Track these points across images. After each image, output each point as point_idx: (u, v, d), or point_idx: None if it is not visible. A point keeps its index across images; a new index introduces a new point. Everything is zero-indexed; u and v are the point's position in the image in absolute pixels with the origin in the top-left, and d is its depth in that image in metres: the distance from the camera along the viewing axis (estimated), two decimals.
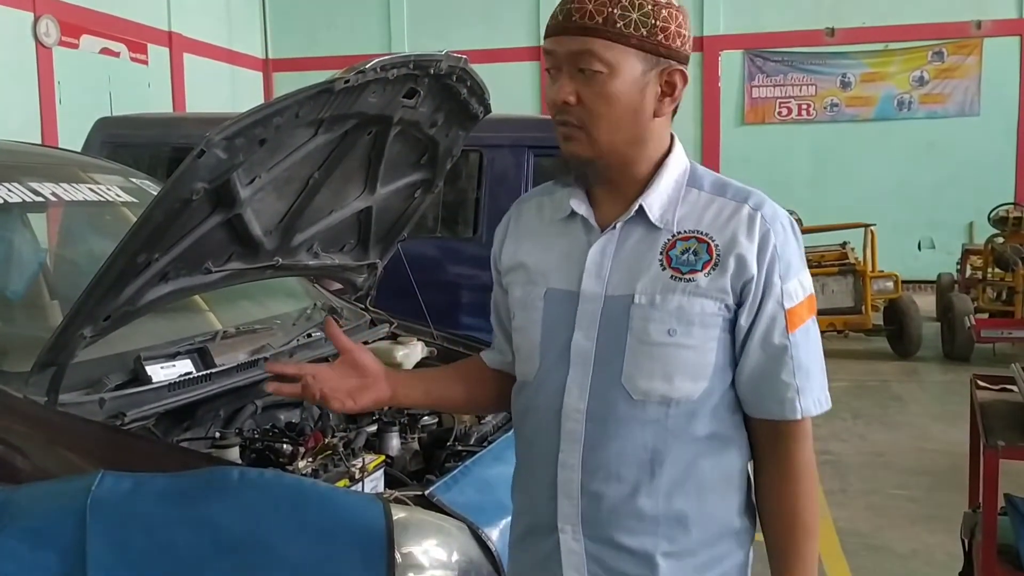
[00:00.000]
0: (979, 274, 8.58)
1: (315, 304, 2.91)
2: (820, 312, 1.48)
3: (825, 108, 12.08)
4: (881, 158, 11.64)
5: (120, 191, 2.76)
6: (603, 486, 1.28)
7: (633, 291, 1.26)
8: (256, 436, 2.20)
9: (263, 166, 2.00)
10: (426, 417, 2.52)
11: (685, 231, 1.27)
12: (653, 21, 1.22)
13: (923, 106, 11.72)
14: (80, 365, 1.91)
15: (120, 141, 5.73)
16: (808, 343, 1.28)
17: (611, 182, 1.31)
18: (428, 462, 2.38)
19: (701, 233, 1.26)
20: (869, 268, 8.00)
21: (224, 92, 12.48)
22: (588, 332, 1.28)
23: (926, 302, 9.19)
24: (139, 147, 5.58)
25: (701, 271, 1.24)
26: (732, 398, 1.31)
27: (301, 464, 1.98)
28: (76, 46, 9.90)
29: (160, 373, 2.02)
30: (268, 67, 13.73)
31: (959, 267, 9.16)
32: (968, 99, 11.53)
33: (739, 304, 1.26)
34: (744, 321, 1.26)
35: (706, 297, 1.24)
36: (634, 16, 1.21)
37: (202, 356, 2.16)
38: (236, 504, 1.60)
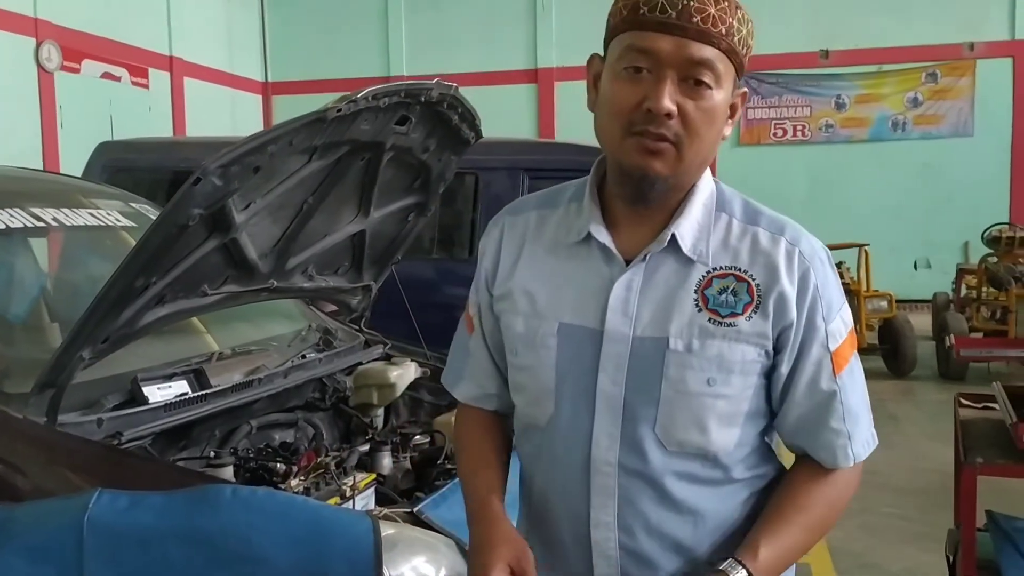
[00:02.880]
0: (973, 293, 8.64)
1: (310, 326, 2.96)
2: None
3: (820, 129, 12.19)
4: (876, 179, 11.74)
5: (120, 216, 2.82)
6: (643, 544, 1.18)
7: (667, 333, 1.14)
8: (251, 455, 2.24)
9: (258, 192, 2.07)
10: (418, 436, 2.56)
11: (722, 267, 1.15)
12: (750, 41, 1.13)
13: (917, 127, 11.83)
14: (79, 386, 1.96)
15: (121, 165, 5.80)
16: (854, 384, 1.19)
17: (654, 205, 1.17)
18: (420, 480, 2.42)
19: (740, 270, 1.15)
20: (863, 288, 8.06)
21: (224, 115, 12.60)
22: (615, 376, 1.16)
23: (923, 321, 9.23)
24: (139, 171, 5.65)
25: (742, 314, 1.13)
26: (765, 446, 1.24)
27: (294, 482, 2.03)
28: (78, 71, 10.01)
29: (157, 394, 2.07)
30: (268, 91, 13.86)
31: (954, 287, 9.22)
32: (962, 120, 11.64)
33: (777, 350, 1.16)
34: (785, 368, 1.16)
35: (747, 343, 1.14)
36: (744, 32, 1.11)
37: (198, 377, 2.21)
38: (229, 521, 1.64)
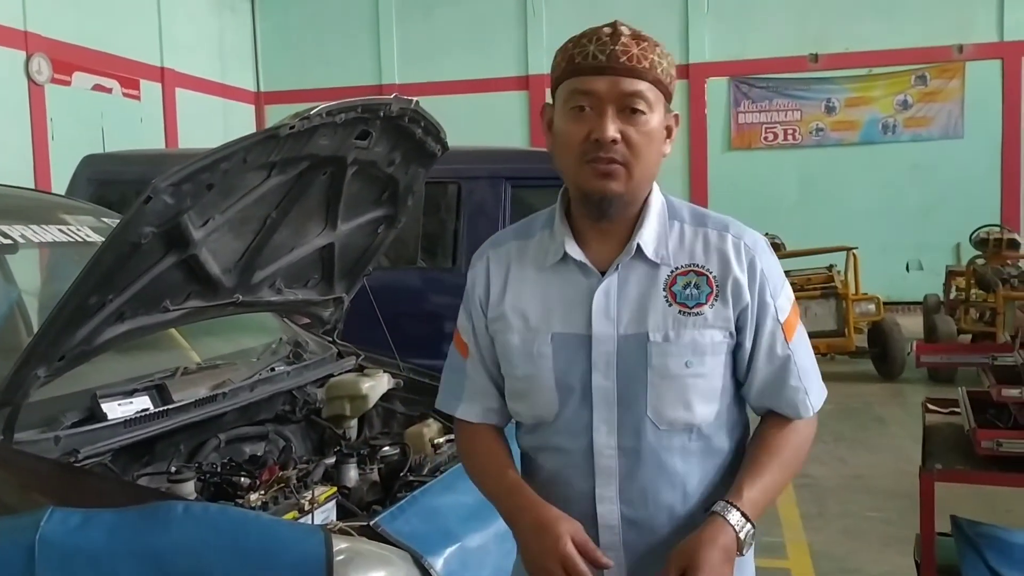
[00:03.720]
0: (962, 295, 8.64)
1: (281, 338, 2.97)
2: None
3: (811, 133, 12.21)
4: (867, 181, 11.75)
5: (90, 231, 2.83)
6: (642, 511, 1.36)
7: (646, 328, 1.34)
8: (215, 469, 2.25)
9: (216, 208, 2.08)
10: (386, 448, 2.57)
11: (682, 265, 1.35)
12: (672, 71, 1.34)
13: (907, 129, 11.85)
14: (38, 404, 1.96)
15: (106, 178, 5.81)
16: (803, 346, 1.40)
17: (614, 219, 1.36)
18: (388, 492, 2.43)
19: (698, 266, 1.35)
20: (852, 291, 8.06)
21: (217, 125, 12.62)
22: (606, 372, 1.35)
23: (915, 323, 9.24)
24: (126, 184, 5.65)
25: (706, 303, 1.34)
26: (736, 413, 1.43)
27: (253, 497, 2.04)
28: (68, 83, 10.04)
29: (117, 410, 2.08)
30: (260, 100, 13.89)
31: (945, 288, 9.22)
32: (952, 122, 11.66)
33: (739, 329, 1.36)
34: (748, 344, 1.37)
35: (714, 328, 1.34)
36: (665, 63, 1.32)
37: (160, 392, 2.22)
38: (180, 537, 1.65)
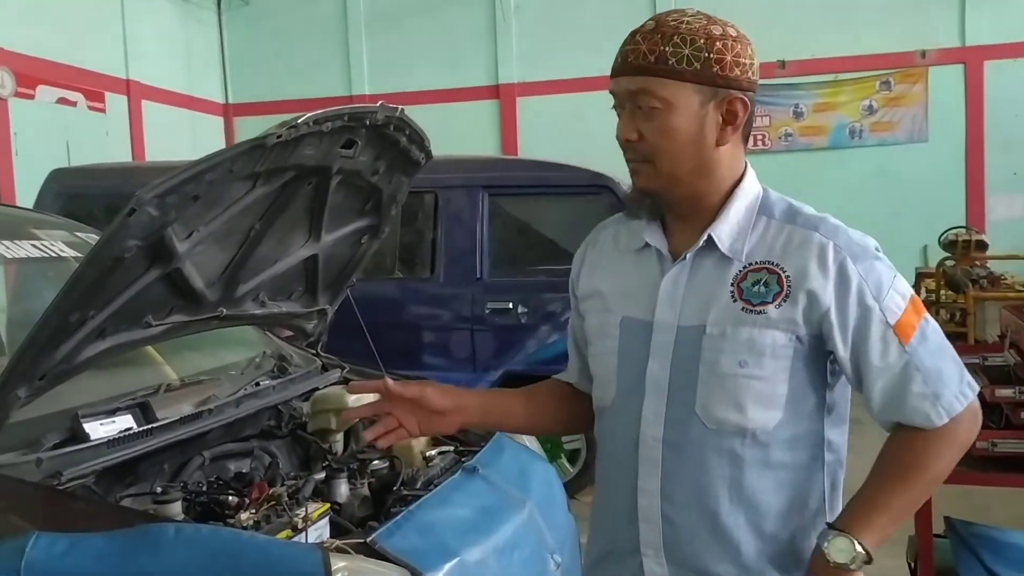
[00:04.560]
0: (932, 296, 8.75)
1: (265, 352, 2.91)
2: None
3: (780, 138, 12.31)
4: (836, 185, 11.85)
5: (64, 246, 2.76)
6: (683, 512, 1.31)
7: (705, 322, 1.30)
8: (201, 489, 2.19)
9: (200, 220, 2.02)
10: (376, 461, 2.52)
11: (756, 262, 1.30)
12: (706, 54, 1.26)
13: (874, 134, 11.99)
14: (17, 425, 1.90)
15: (75, 192, 5.71)
16: (927, 347, 1.28)
17: (682, 212, 1.35)
18: (379, 507, 2.38)
19: (772, 264, 1.29)
20: None
21: (185, 138, 12.45)
22: (662, 361, 1.32)
23: None
24: (94, 198, 5.56)
25: (771, 303, 1.27)
26: (817, 432, 1.32)
27: (244, 516, 1.98)
28: (32, 96, 9.85)
29: (99, 430, 2.01)
30: (229, 112, 13.73)
31: (915, 290, 9.31)
32: (916, 126, 11.81)
33: (817, 335, 1.27)
34: (843, 352, 1.27)
35: (776, 329, 1.27)
36: (686, 52, 1.26)
37: (143, 411, 2.16)
38: (172, 561, 1.60)
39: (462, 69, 12.79)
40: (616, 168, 6.09)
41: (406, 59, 12.94)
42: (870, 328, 1.26)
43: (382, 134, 2.37)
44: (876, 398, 1.29)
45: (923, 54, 11.86)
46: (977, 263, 8.40)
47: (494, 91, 12.68)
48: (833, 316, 1.26)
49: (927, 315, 1.30)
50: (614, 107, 1.34)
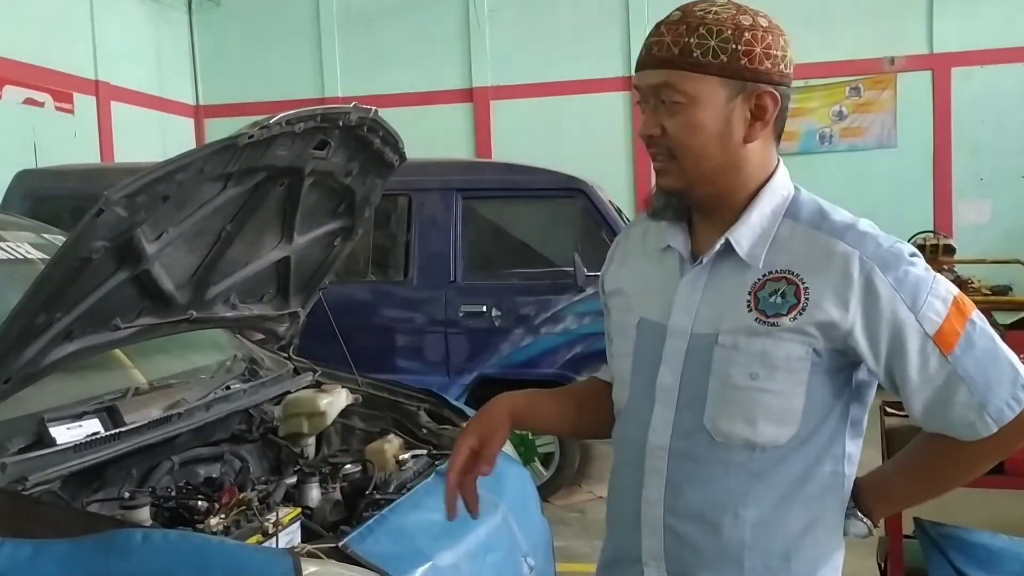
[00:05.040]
0: None
1: (236, 356, 2.88)
2: None
3: None
4: (807, 190, 11.99)
5: (30, 248, 2.71)
6: (686, 525, 1.26)
7: (718, 330, 1.23)
8: (170, 494, 2.16)
9: (170, 221, 1.99)
10: (348, 465, 2.50)
11: (776, 271, 1.22)
12: (734, 46, 1.19)
13: (844, 139, 12.13)
14: None
15: (42, 194, 5.63)
16: (973, 354, 1.18)
17: (707, 212, 1.28)
18: (351, 511, 2.36)
19: (792, 274, 1.21)
20: None
21: (154, 140, 12.31)
22: (673, 368, 1.27)
23: None
24: (62, 199, 5.49)
25: (786, 315, 1.20)
26: (838, 446, 1.25)
27: (213, 521, 1.95)
28: None
29: (65, 434, 1.97)
30: (200, 114, 13.60)
31: None
32: (885, 132, 11.96)
33: (839, 350, 1.20)
34: (875, 365, 1.20)
35: (792, 341, 1.19)
36: (712, 43, 1.19)
37: (111, 415, 2.12)
38: (140, 568, 1.57)
39: (436, 72, 12.77)
40: (589, 171, 6.11)
41: (379, 61, 12.90)
42: (906, 343, 1.17)
43: (355, 135, 2.35)
44: (917, 410, 1.22)
45: (892, 61, 12.02)
46: (944, 267, 8.51)
47: (468, 94, 12.66)
48: (860, 333, 1.18)
49: (975, 316, 1.20)
50: (638, 102, 1.28)
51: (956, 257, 8.87)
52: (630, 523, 1.31)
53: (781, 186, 1.28)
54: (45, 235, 2.89)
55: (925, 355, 1.18)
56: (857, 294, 1.18)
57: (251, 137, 1.87)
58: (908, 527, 2.49)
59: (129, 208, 1.76)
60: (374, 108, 2.29)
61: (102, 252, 1.78)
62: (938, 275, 1.21)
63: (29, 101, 10.19)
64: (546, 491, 5.06)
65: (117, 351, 2.47)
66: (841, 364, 1.22)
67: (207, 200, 2.06)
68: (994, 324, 3.04)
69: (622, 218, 5.24)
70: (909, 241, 8.97)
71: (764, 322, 1.20)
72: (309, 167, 2.29)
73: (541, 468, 5.15)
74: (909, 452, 1.31)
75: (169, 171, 1.77)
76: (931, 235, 9.02)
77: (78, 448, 1.97)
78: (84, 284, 1.86)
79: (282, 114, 1.95)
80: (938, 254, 8.52)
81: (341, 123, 2.20)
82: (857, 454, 1.29)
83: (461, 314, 5.04)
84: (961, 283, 8.24)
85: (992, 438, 1.20)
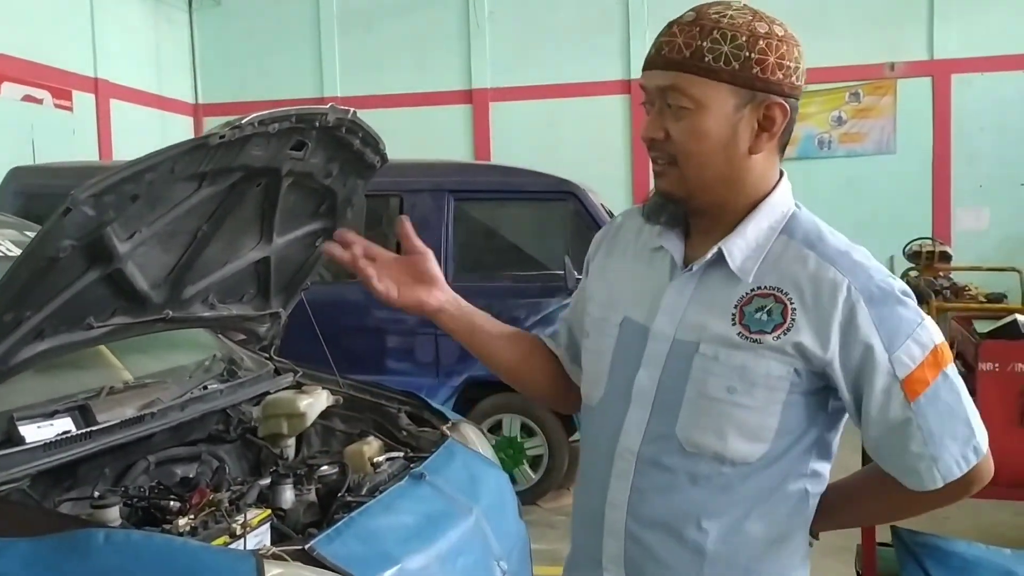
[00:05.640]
0: None
1: (215, 355, 2.87)
2: None
3: None
4: (805, 195, 11.72)
5: (11, 245, 2.71)
6: (648, 532, 1.23)
7: (700, 339, 1.21)
8: (141, 494, 2.16)
9: (142, 220, 1.99)
10: (324, 467, 2.50)
11: (765, 287, 1.20)
12: (747, 53, 1.15)
13: (843, 145, 12.12)
14: None
15: (35, 191, 5.63)
16: (937, 405, 1.17)
17: (704, 220, 1.26)
18: (324, 514, 2.36)
19: (780, 292, 1.19)
20: None
21: (154, 138, 12.30)
22: (652, 372, 1.24)
23: None
24: (55, 196, 5.43)
25: (770, 334, 1.18)
26: (804, 466, 1.23)
27: (182, 522, 1.95)
28: None
29: (36, 433, 1.97)
30: (199, 112, 13.61)
31: None
32: (884, 138, 11.96)
33: (819, 373, 1.18)
34: (846, 394, 1.19)
35: (773, 360, 1.18)
36: (725, 49, 1.15)
37: (83, 413, 2.12)
38: (100, 567, 1.57)
39: (435, 73, 12.77)
40: (588, 174, 6.09)
41: (379, 62, 12.90)
42: (874, 380, 1.16)
43: (334, 136, 2.34)
44: (871, 446, 1.22)
45: (892, 66, 12.02)
46: (940, 274, 8.51)
47: (467, 96, 12.66)
48: (836, 360, 1.17)
49: (949, 369, 1.19)
50: (643, 103, 1.24)
51: (952, 264, 8.86)
52: (594, 525, 1.29)
53: (781, 202, 1.26)
54: (28, 232, 2.88)
55: (888, 396, 1.17)
56: (838, 323, 1.16)
57: (222, 137, 1.87)
58: (884, 536, 2.49)
59: (97, 207, 1.75)
60: (352, 109, 2.28)
61: (70, 251, 1.78)
62: (926, 319, 1.19)
63: (28, 98, 10.21)
64: (534, 494, 5.05)
65: (93, 350, 2.47)
66: (819, 387, 1.21)
67: (181, 200, 2.05)
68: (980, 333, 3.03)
69: None
70: (905, 248, 9.00)
71: (747, 337, 1.19)
72: (286, 168, 2.29)
73: (529, 471, 5.14)
74: (857, 480, 1.32)
75: (138, 170, 1.77)
76: (927, 242, 9.01)
77: (48, 447, 1.97)
78: (53, 283, 1.86)
79: (255, 114, 1.95)
80: (934, 261, 8.51)
81: (318, 124, 2.19)
82: (826, 475, 1.28)
83: None
84: (957, 290, 8.23)
85: (936, 491, 1.20)
